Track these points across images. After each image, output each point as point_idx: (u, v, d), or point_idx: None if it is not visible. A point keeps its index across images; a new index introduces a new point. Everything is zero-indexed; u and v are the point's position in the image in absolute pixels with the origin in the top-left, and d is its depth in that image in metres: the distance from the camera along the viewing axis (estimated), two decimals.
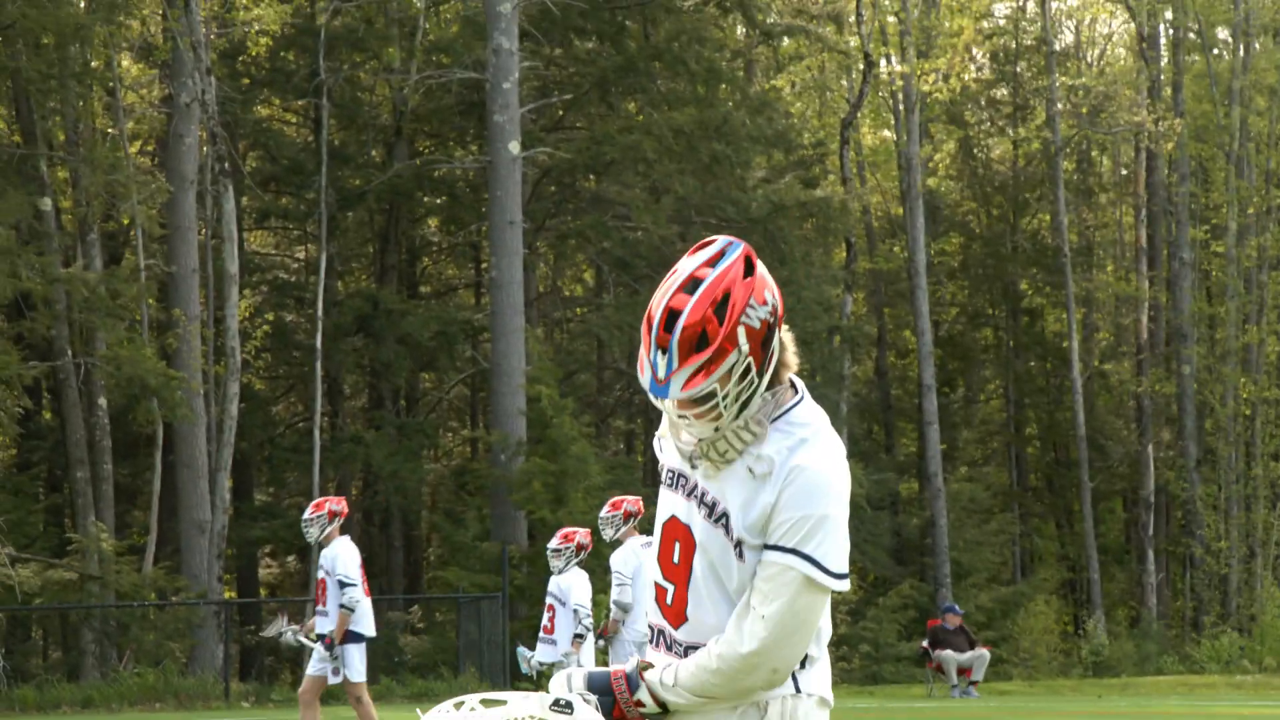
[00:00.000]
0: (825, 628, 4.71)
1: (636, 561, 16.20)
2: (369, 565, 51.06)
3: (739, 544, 4.48)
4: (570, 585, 16.36)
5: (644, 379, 4.49)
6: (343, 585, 16.19)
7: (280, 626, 17.35)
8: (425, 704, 18.68)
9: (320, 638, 16.58)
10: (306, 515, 16.53)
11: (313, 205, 43.90)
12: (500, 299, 39.34)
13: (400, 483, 43.09)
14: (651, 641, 4.73)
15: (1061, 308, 51.55)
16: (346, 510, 16.82)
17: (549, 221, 46.58)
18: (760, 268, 4.51)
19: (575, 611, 16.28)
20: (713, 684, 4.46)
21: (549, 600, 16.75)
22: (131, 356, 35.58)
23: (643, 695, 4.51)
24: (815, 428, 4.56)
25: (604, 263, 47.42)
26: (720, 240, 4.57)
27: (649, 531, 16.17)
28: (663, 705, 4.53)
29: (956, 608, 35.10)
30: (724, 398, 4.43)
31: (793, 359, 4.61)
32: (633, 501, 16.74)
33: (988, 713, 28.15)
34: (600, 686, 4.52)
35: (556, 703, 4.46)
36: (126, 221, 40.06)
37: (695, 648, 4.53)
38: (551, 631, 16.59)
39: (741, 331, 4.40)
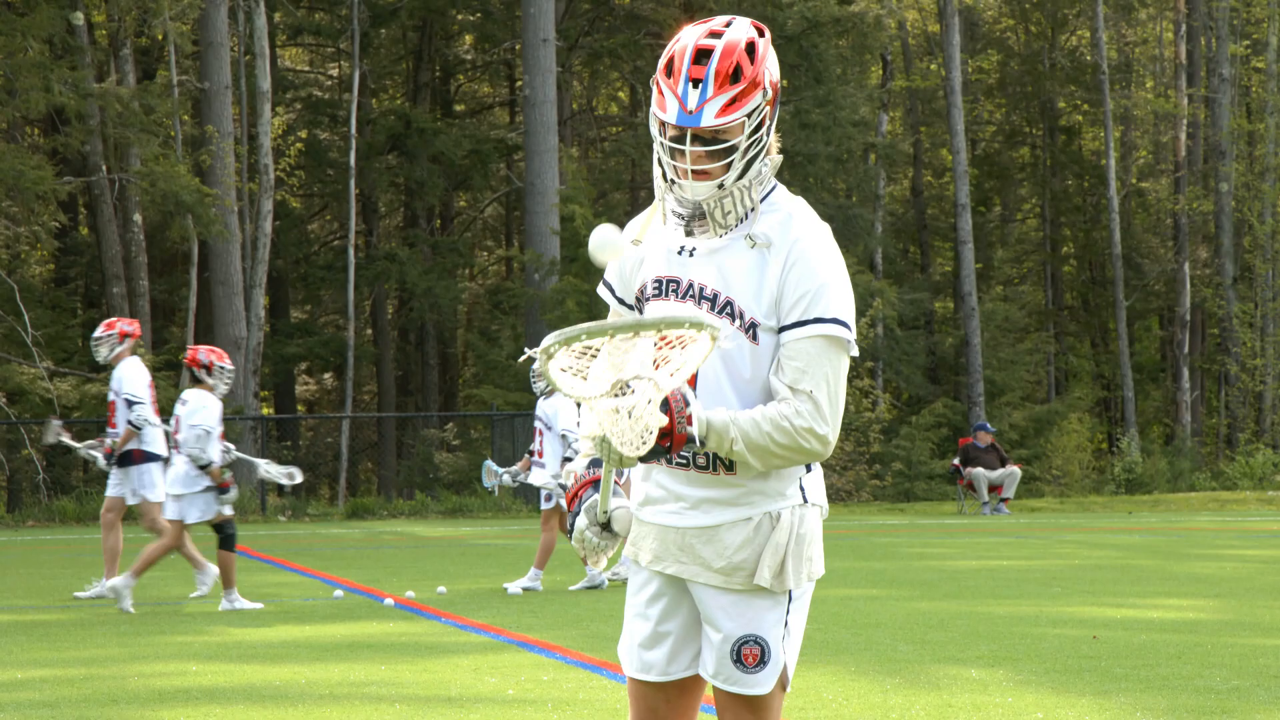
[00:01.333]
0: None
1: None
2: (404, 383, 51.66)
3: (752, 327, 4.50)
4: (556, 409, 16.49)
5: (667, 113, 4.47)
6: (130, 404, 16.08)
7: (57, 431, 17.47)
8: (459, 520, 18.83)
9: (101, 449, 16.54)
10: (96, 334, 16.41)
11: (345, 21, 43.70)
12: (534, 117, 39.22)
13: (435, 301, 43.26)
14: (649, 461, 4.58)
15: (1099, 125, 51.22)
16: (139, 332, 16.68)
17: (582, 39, 46.31)
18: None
19: (563, 436, 16.40)
20: (771, 440, 4.42)
21: (536, 425, 16.87)
22: (166, 172, 35.64)
23: (696, 411, 4.38)
24: (796, 204, 4.64)
25: (637, 81, 47.23)
26: (727, 15, 4.62)
27: None
28: (702, 440, 4.42)
29: (988, 425, 35.24)
30: (741, 149, 4.49)
31: (776, 150, 4.67)
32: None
33: (1018, 529, 28.37)
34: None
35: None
36: (161, 37, 39.91)
37: (708, 451, 4.50)
38: (541, 455, 16.75)
39: (766, 77, 4.50)
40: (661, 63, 4.53)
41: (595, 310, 37.46)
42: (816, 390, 4.43)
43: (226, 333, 37.50)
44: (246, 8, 38.91)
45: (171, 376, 37.36)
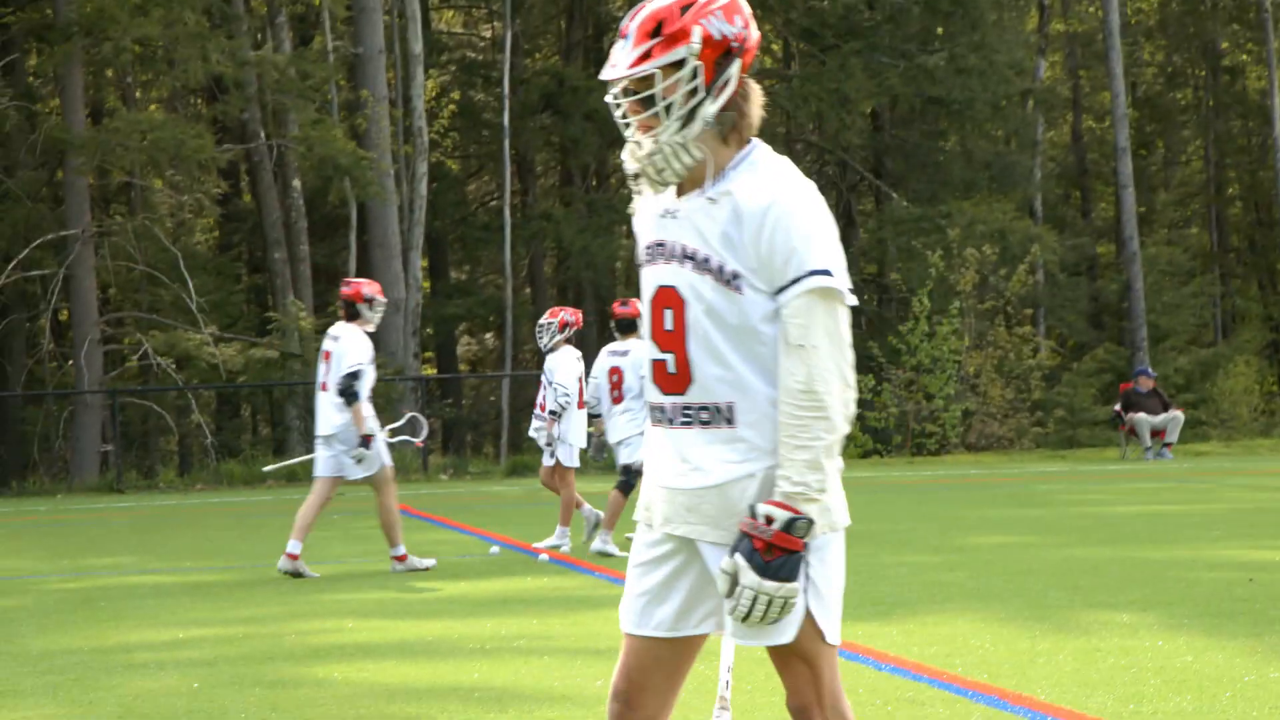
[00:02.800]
0: None
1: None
2: None
3: (734, 277, 4.49)
4: (556, 364, 16.59)
5: (605, 74, 4.58)
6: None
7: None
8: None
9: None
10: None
11: None
12: None
13: (591, 258, 43.39)
14: (655, 423, 4.67)
15: (1263, 64, 50.26)
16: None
17: None
18: (747, 8, 4.58)
19: (554, 388, 16.42)
20: (818, 432, 4.41)
21: (542, 378, 16.96)
22: (323, 137, 36.06)
23: (772, 511, 4.37)
24: (774, 165, 4.59)
25: (790, 34, 47.03)
26: None
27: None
28: (800, 508, 4.40)
29: (1150, 370, 34.83)
30: (666, 104, 4.48)
31: (757, 114, 4.64)
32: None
33: (1181, 474, 28.07)
34: (743, 549, 4.40)
35: None
36: (316, 3, 40.33)
37: (706, 407, 4.53)
38: (544, 409, 16.82)
39: (698, 31, 4.46)
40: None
41: None
42: (816, 343, 4.41)
43: (386, 294, 37.79)
44: None
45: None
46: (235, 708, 8.57)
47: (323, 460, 15.06)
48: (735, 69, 4.52)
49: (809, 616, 4.51)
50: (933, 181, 45.51)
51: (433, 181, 40.51)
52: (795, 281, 4.42)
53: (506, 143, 41.96)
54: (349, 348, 14.86)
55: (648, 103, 4.50)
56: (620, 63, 4.50)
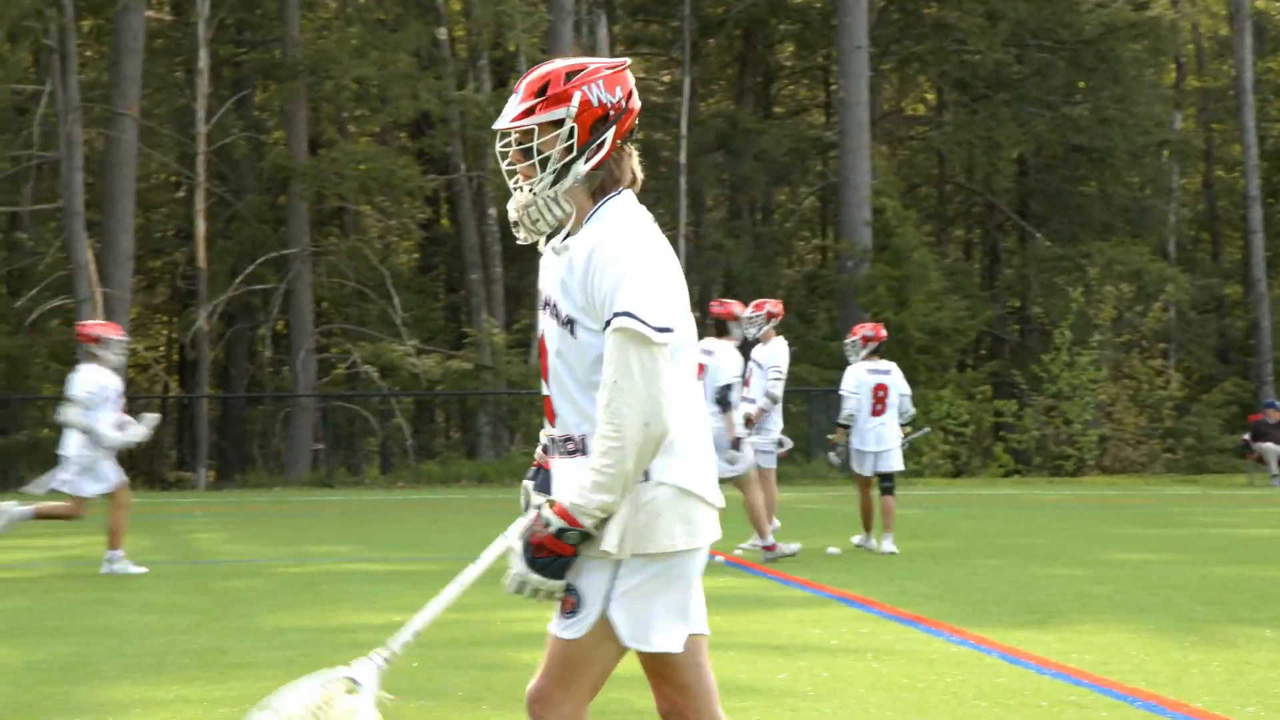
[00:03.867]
0: (687, 414, 4.52)
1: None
2: None
3: (569, 322, 4.49)
4: (767, 354, 16.52)
5: (496, 123, 4.63)
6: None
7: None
8: (780, 485, 18.73)
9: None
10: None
11: (676, 32, 43.97)
12: (848, 118, 39.13)
13: (758, 286, 43.34)
14: (544, 450, 4.74)
15: None
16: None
17: (893, 46, 45.97)
18: (631, 80, 4.60)
19: (766, 371, 16.45)
20: (610, 461, 4.33)
21: (750, 367, 16.76)
22: None
23: (549, 517, 4.39)
24: (616, 215, 4.55)
25: (944, 84, 46.79)
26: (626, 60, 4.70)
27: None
28: (577, 516, 4.38)
29: (1277, 403, 34.16)
30: (542, 157, 4.52)
31: (631, 174, 4.63)
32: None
33: None
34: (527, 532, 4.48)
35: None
36: (512, 49, 40.65)
37: (570, 438, 4.54)
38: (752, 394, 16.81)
39: (577, 96, 4.52)
40: None
41: (904, 294, 37.25)
42: (621, 381, 4.34)
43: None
44: (589, 21, 39.43)
45: (522, 353, 38.05)
46: (453, 686, 8.62)
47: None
48: (610, 134, 4.54)
49: (607, 622, 4.47)
50: (1074, 223, 45.09)
51: None
52: (608, 323, 4.41)
53: (683, 179, 42.03)
54: (723, 362, 15.17)
55: (527, 154, 4.54)
56: (507, 115, 4.55)
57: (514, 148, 4.57)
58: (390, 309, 36.89)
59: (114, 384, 14.80)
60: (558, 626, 4.52)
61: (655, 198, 51.57)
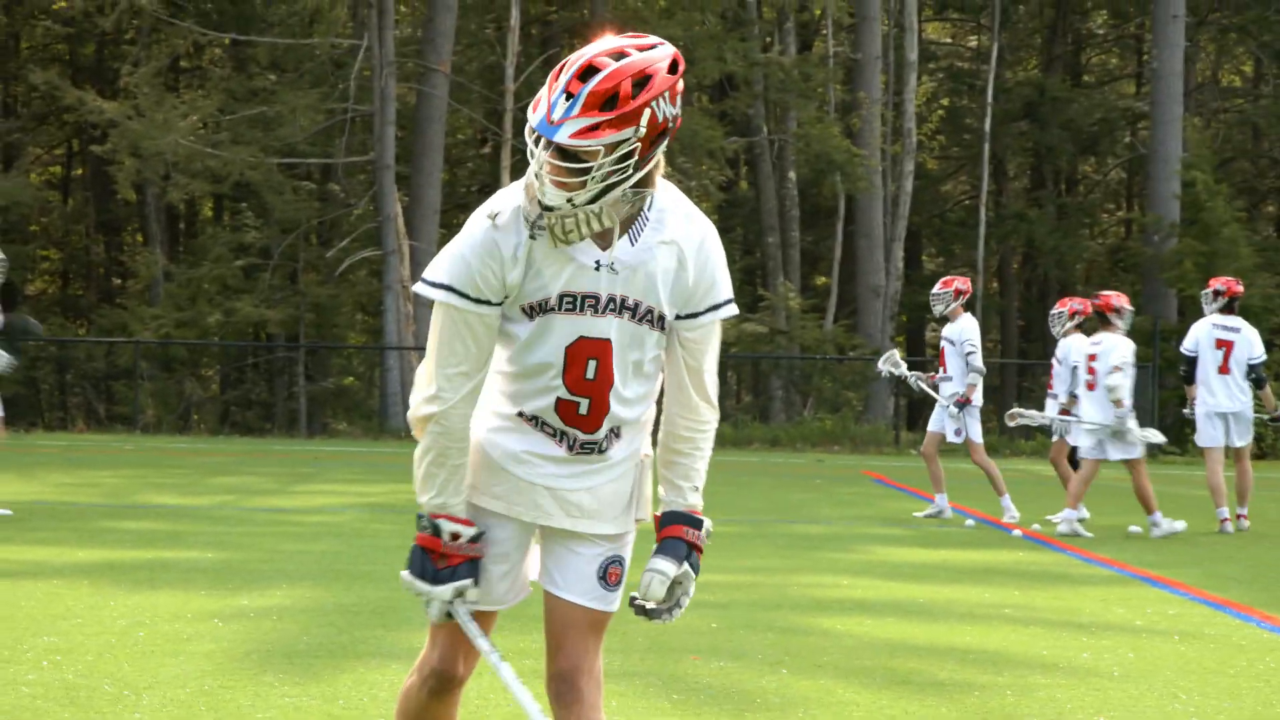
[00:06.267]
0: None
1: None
2: (1026, 332, 50.84)
3: (660, 319, 4.36)
4: (957, 330, 16.58)
5: (535, 116, 4.12)
6: (970, 353, 16.28)
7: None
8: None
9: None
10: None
11: None
12: (1160, 89, 38.18)
13: (1059, 258, 42.71)
14: (555, 437, 4.46)
15: None
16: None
17: (1211, 15, 44.72)
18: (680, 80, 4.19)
19: (965, 352, 16.40)
20: (711, 444, 4.60)
21: (942, 344, 16.84)
22: (820, 134, 36.23)
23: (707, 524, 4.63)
24: (688, 202, 4.41)
25: (1264, 55, 45.37)
26: (655, 38, 4.20)
27: None
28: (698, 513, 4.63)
29: None
30: (597, 169, 4.09)
31: (660, 174, 4.31)
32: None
33: None
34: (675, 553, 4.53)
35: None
36: (818, 13, 40.50)
37: (615, 430, 4.48)
38: (946, 369, 16.69)
39: (646, 115, 4.07)
40: (561, 62, 4.20)
41: (1212, 270, 36.22)
42: (714, 365, 4.54)
43: (867, 281, 37.88)
44: None
45: (817, 318, 37.95)
46: (752, 648, 8.64)
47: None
48: (663, 146, 4.19)
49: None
50: None
51: (915, 179, 40.26)
52: (699, 312, 4.44)
53: (987, 147, 41.46)
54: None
55: (572, 167, 4.12)
56: (563, 126, 4.08)
57: (560, 161, 4.13)
58: None
59: None
60: (603, 601, 4.52)
61: (957, 164, 51.04)
